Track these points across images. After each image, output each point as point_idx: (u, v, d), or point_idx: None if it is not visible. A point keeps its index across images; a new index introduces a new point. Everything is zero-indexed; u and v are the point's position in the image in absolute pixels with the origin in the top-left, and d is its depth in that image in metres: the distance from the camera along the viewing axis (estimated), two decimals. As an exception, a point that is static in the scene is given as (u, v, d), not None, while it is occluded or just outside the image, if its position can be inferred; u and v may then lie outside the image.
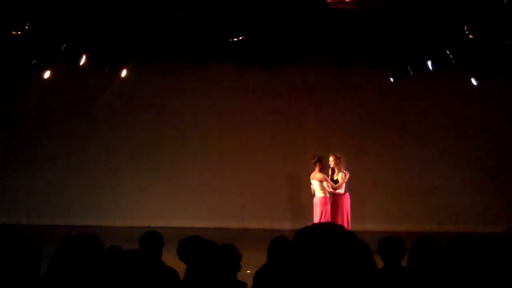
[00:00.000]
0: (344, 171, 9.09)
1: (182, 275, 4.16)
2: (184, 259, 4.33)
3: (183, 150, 11.77)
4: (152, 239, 4.35)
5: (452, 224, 10.94)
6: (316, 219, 8.95)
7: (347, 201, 9.11)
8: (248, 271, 4.43)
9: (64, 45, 8.90)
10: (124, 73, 10.51)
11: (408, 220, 11.13)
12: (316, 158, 9.15)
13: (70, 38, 8.83)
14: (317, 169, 9.09)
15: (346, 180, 9.06)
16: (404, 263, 4.04)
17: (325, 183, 9.01)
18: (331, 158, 9.17)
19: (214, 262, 3.80)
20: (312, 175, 9.12)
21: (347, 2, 7.33)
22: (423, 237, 4.04)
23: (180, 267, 4.23)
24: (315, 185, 9.08)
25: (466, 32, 7.53)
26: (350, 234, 1.60)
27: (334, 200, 9.10)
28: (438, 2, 7.24)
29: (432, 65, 9.31)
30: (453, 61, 8.84)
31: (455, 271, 3.77)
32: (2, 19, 7.54)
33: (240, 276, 3.99)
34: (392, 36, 8.83)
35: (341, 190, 9.05)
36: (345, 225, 8.86)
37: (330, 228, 1.61)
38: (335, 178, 9.11)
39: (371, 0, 7.40)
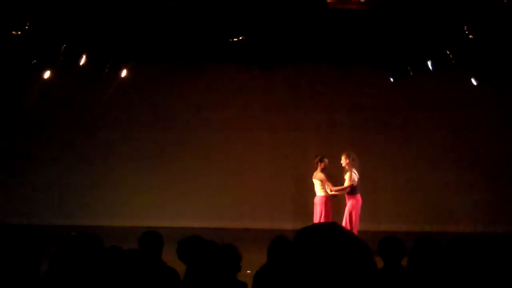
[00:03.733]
0: (354, 172, 8.84)
1: (182, 275, 4.16)
2: (184, 259, 4.32)
3: (183, 150, 11.77)
4: (152, 239, 4.34)
5: (452, 224, 10.93)
6: (316, 219, 8.93)
7: (354, 203, 8.82)
8: (248, 271, 4.43)
9: (64, 45, 8.90)
10: (124, 73, 10.51)
11: (408, 220, 11.13)
12: (318, 157, 9.12)
13: (70, 38, 8.82)
14: (318, 169, 9.06)
15: (351, 181, 8.78)
16: (404, 263, 4.04)
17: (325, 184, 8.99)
18: (342, 157, 9.02)
19: (214, 263, 3.80)
20: (313, 175, 9.11)
21: (347, 2, 7.33)
22: (423, 237, 4.04)
23: (180, 267, 4.23)
24: (316, 184, 9.06)
25: (466, 32, 7.53)
26: (350, 234, 1.60)
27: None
28: (438, 2, 7.24)
29: (432, 65, 9.31)
30: (453, 61, 8.84)
31: (455, 271, 3.77)
32: (2, 19, 7.54)
33: (240, 276, 3.99)
34: (392, 36, 8.83)
35: (341, 192, 8.89)
36: (348, 228, 8.73)
37: (330, 228, 1.61)
38: (344, 178, 8.99)
39: (371, 0, 7.40)
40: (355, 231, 8.51)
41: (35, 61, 9.63)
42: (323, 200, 8.94)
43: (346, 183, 8.85)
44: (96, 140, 11.81)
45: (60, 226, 10.20)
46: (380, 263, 3.87)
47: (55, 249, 2.85)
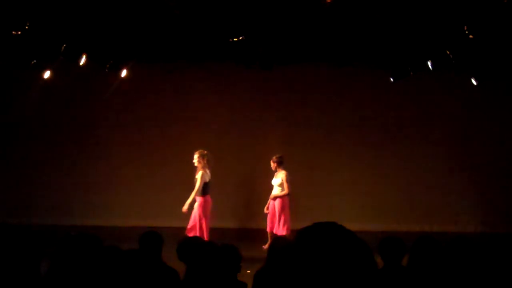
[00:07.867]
0: (206, 172, 9.11)
1: (182, 275, 4.16)
2: (184, 259, 4.32)
3: (183, 150, 11.73)
4: (152, 239, 4.34)
5: (452, 224, 10.94)
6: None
7: (202, 204, 9.05)
8: (248, 271, 4.43)
9: (64, 45, 8.89)
10: (124, 73, 10.51)
11: (408, 220, 11.13)
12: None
13: (70, 38, 8.81)
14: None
15: (202, 181, 9.02)
16: (404, 263, 4.04)
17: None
18: (195, 156, 9.17)
19: (214, 263, 3.80)
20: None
21: None
22: (423, 237, 4.04)
23: (180, 267, 4.23)
24: None
25: (466, 32, 7.52)
26: (351, 234, 1.60)
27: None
28: (438, 2, 7.23)
29: (432, 65, 9.30)
30: (453, 61, 8.83)
31: (455, 271, 3.77)
32: (2, 19, 7.54)
33: (240, 276, 3.99)
34: (392, 36, 8.82)
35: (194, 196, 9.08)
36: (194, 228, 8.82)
37: (331, 228, 1.61)
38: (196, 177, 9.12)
39: None
40: (205, 233, 8.62)
41: (35, 61, 9.62)
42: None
43: (198, 183, 8.94)
44: (96, 140, 11.80)
45: (60, 226, 10.20)
46: (380, 263, 3.87)
47: (55, 249, 2.85)
